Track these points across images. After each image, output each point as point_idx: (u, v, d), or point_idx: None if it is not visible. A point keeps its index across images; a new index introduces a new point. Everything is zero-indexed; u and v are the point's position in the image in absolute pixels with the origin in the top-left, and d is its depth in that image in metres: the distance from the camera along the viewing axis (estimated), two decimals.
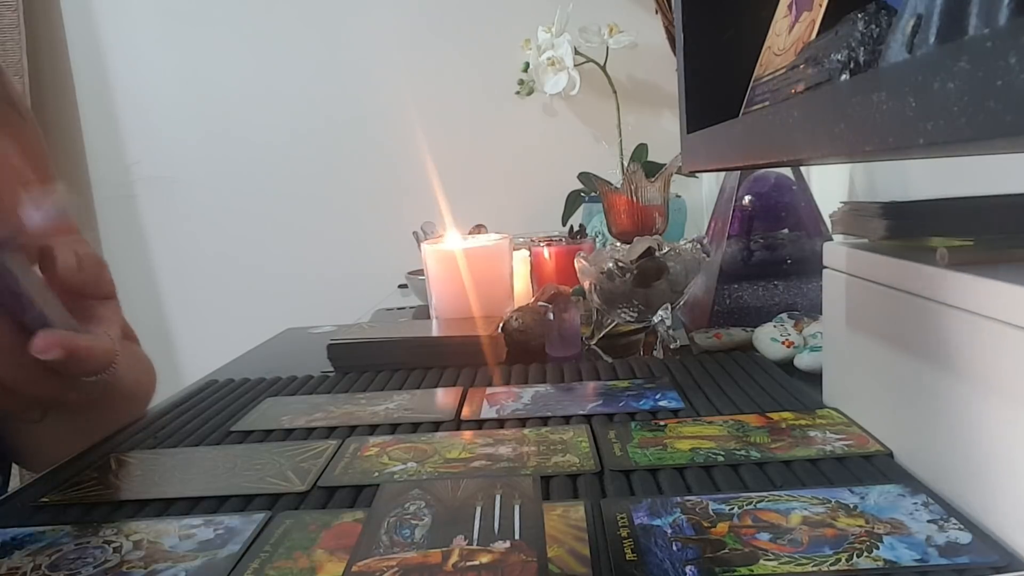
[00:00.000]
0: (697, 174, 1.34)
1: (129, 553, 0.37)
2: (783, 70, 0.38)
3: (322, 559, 0.35)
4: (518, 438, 0.50)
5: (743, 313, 0.79)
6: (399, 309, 1.12)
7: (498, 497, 0.40)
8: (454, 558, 0.34)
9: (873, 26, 0.29)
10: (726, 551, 0.34)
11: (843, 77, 0.30)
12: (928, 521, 0.35)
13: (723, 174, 0.89)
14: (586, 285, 0.77)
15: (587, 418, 0.53)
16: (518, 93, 1.53)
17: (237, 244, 1.65)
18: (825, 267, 0.52)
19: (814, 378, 0.58)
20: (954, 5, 0.20)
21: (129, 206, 1.66)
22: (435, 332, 0.80)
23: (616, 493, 0.41)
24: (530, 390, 0.61)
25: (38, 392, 0.41)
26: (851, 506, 0.37)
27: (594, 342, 0.79)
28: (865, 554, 0.33)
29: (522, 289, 0.96)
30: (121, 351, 0.44)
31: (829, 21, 0.34)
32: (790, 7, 0.41)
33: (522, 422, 0.54)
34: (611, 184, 0.97)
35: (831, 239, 0.55)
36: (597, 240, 1.14)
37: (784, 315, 0.74)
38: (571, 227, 1.06)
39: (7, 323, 0.38)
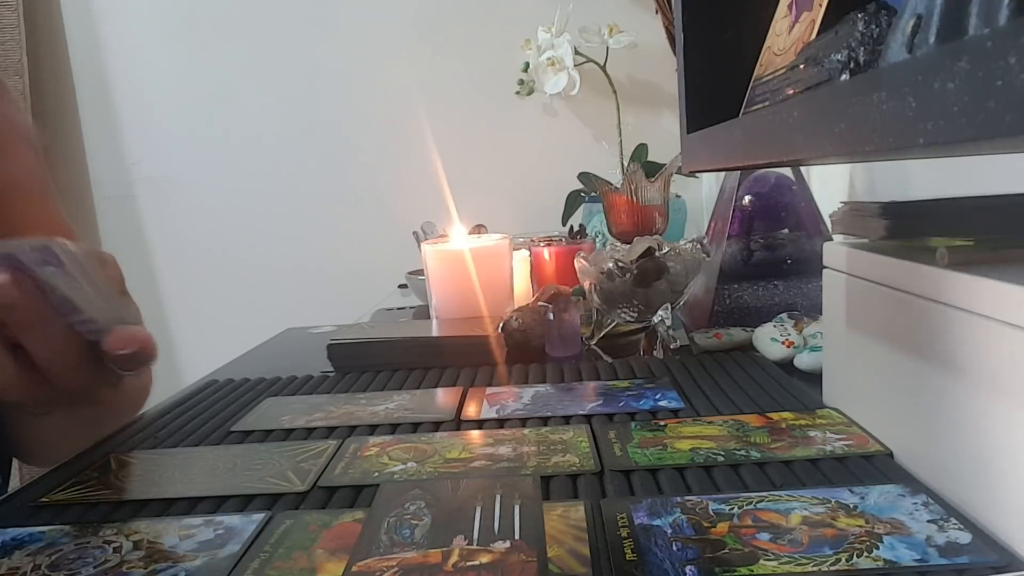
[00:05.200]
0: (697, 174, 1.34)
1: (129, 553, 0.37)
2: (783, 70, 0.38)
3: (322, 559, 0.35)
4: (518, 438, 0.50)
5: (743, 313, 0.79)
6: (399, 309, 1.12)
7: (498, 497, 0.40)
8: (454, 558, 0.34)
9: (873, 26, 0.29)
10: (726, 551, 0.34)
11: (843, 77, 0.30)
12: (928, 521, 0.35)
13: (723, 174, 0.89)
14: (586, 285, 0.77)
15: (587, 418, 0.53)
16: (518, 93, 1.53)
17: (237, 244, 1.65)
18: (825, 267, 0.52)
19: (814, 378, 0.58)
20: (954, 5, 0.20)
21: (129, 206, 1.66)
22: (435, 332, 0.80)
23: (616, 493, 0.41)
24: (530, 390, 0.61)
25: (74, 383, 0.39)
26: (851, 506, 0.37)
27: (594, 342, 0.79)
28: (865, 554, 0.33)
29: (522, 289, 0.96)
30: None
31: (829, 21, 0.34)
32: (790, 7, 0.41)
33: (522, 422, 0.54)
34: (611, 184, 0.96)
35: (831, 239, 0.55)
36: (597, 240, 1.14)
37: (784, 315, 0.74)
38: (571, 227, 1.06)
39: (52, 314, 0.38)
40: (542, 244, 1.00)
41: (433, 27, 1.59)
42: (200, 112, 1.63)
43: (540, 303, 0.77)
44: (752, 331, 0.72)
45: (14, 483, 0.67)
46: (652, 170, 0.98)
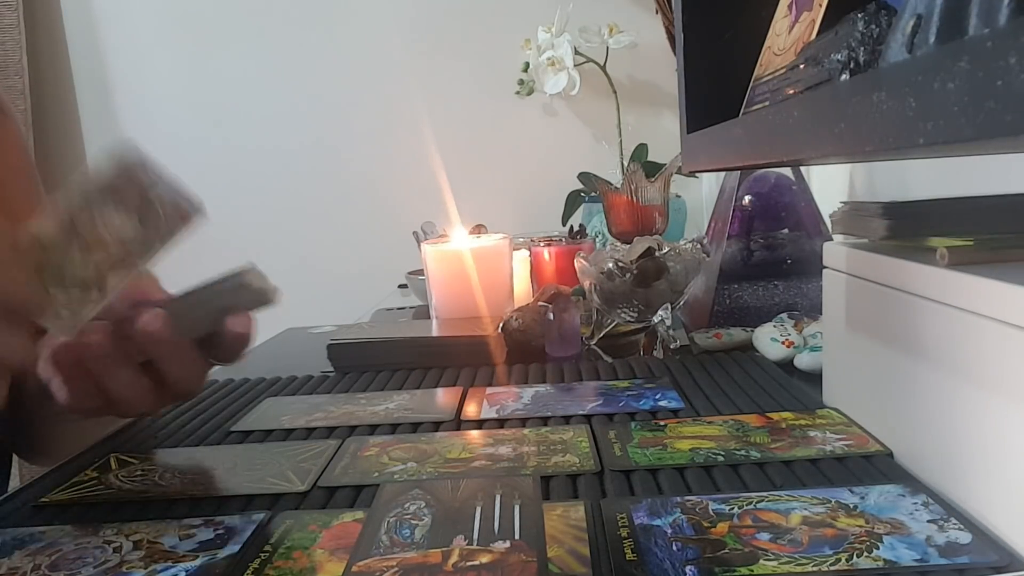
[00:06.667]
0: (697, 174, 1.34)
1: (129, 553, 0.37)
2: (783, 70, 0.38)
3: (322, 559, 0.35)
4: (518, 438, 0.50)
5: (743, 313, 0.79)
6: (399, 309, 1.12)
7: (498, 497, 0.40)
8: (454, 558, 0.34)
9: (873, 26, 0.29)
10: (726, 551, 0.34)
11: (843, 77, 0.30)
12: (928, 521, 0.35)
13: (723, 174, 0.89)
14: (586, 285, 0.77)
15: (587, 418, 0.53)
16: (518, 93, 1.53)
17: (237, 244, 1.64)
18: (825, 267, 0.52)
19: (814, 378, 0.58)
20: (954, 5, 0.20)
21: None
22: (435, 332, 0.80)
23: (616, 493, 0.41)
24: (530, 390, 0.61)
25: (191, 390, 0.49)
26: (851, 506, 0.37)
27: (594, 342, 0.79)
28: (865, 554, 0.33)
29: (522, 289, 0.96)
30: None
31: (829, 21, 0.34)
32: (790, 7, 0.41)
33: (522, 422, 0.54)
34: (611, 184, 0.97)
35: (831, 239, 0.55)
36: (597, 240, 1.14)
37: (784, 315, 0.74)
38: (571, 227, 1.06)
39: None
40: (542, 244, 1.00)
41: (433, 27, 1.59)
42: (200, 112, 1.63)
43: (540, 303, 0.77)
44: (752, 331, 0.72)
45: (14, 483, 0.67)
46: (652, 170, 0.98)
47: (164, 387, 0.48)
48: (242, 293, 0.48)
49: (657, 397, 0.57)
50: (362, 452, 0.49)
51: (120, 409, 0.48)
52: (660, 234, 0.94)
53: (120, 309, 0.46)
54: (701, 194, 1.54)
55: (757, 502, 0.38)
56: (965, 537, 0.34)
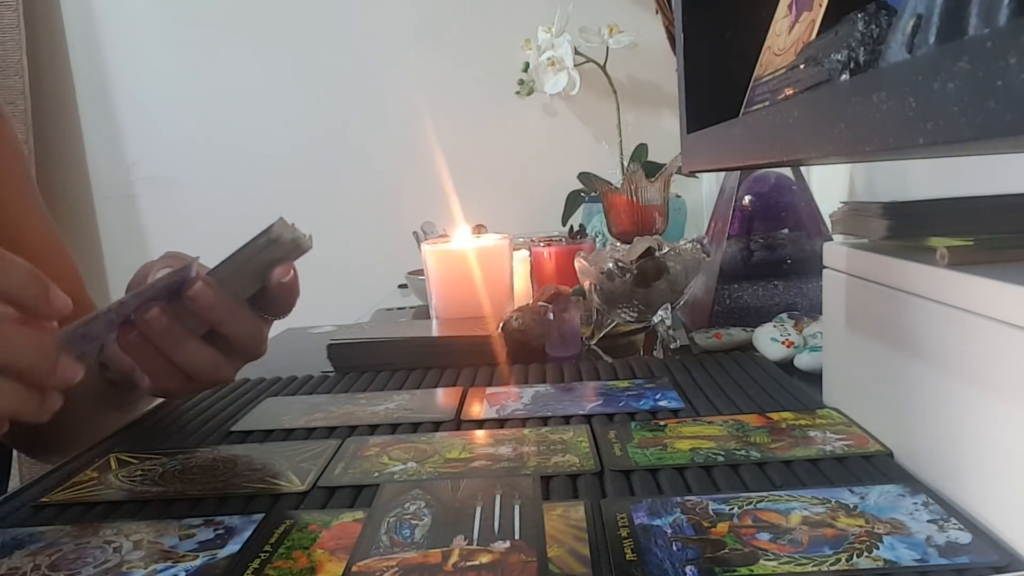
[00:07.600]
0: (697, 174, 1.34)
1: (129, 553, 0.37)
2: (783, 70, 0.38)
3: (322, 559, 0.35)
4: (518, 438, 0.50)
5: (743, 313, 0.79)
6: (399, 309, 1.12)
7: (498, 497, 0.40)
8: (454, 558, 0.34)
9: (873, 26, 0.29)
10: (726, 551, 0.34)
11: (843, 77, 0.30)
12: (928, 521, 0.35)
13: (723, 174, 0.89)
14: (586, 285, 0.77)
15: (587, 418, 0.53)
16: (518, 93, 1.53)
17: (237, 244, 1.65)
18: (825, 267, 0.52)
19: (814, 378, 0.58)
20: (954, 5, 0.20)
21: (129, 206, 1.66)
22: (435, 332, 0.80)
23: (616, 493, 0.41)
24: (530, 390, 0.61)
25: (257, 350, 0.53)
26: (851, 506, 0.37)
27: (594, 342, 0.79)
28: (865, 554, 0.33)
29: (522, 289, 0.96)
30: None
31: (829, 21, 0.34)
32: (790, 7, 0.41)
33: (522, 422, 0.54)
34: (611, 184, 0.97)
35: (831, 239, 0.55)
36: (597, 240, 1.14)
37: (784, 315, 0.74)
38: (571, 227, 1.06)
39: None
40: (542, 244, 1.00)
41: (433, 27, 1.59)
42: (200, 112, 1.63)
43: (540, 303, 0.77)
44: (752, 331, 0.72)
45: (14, 483, 0.68)
46: (652, 170, 0.98)
47: (231, 351, 0.51)
48: (276, 247, 0.51)
49: (657, 397, 0.57)
50: (362, 452, 0.49)
51: (199, 382, 0.52)
52: (660, 234, 0.94)
53: (164, 287, 0.48)
54: (701, 194, 1.54)
55: (757, 502, 0.38)
56: (965, 537, 0.34)
